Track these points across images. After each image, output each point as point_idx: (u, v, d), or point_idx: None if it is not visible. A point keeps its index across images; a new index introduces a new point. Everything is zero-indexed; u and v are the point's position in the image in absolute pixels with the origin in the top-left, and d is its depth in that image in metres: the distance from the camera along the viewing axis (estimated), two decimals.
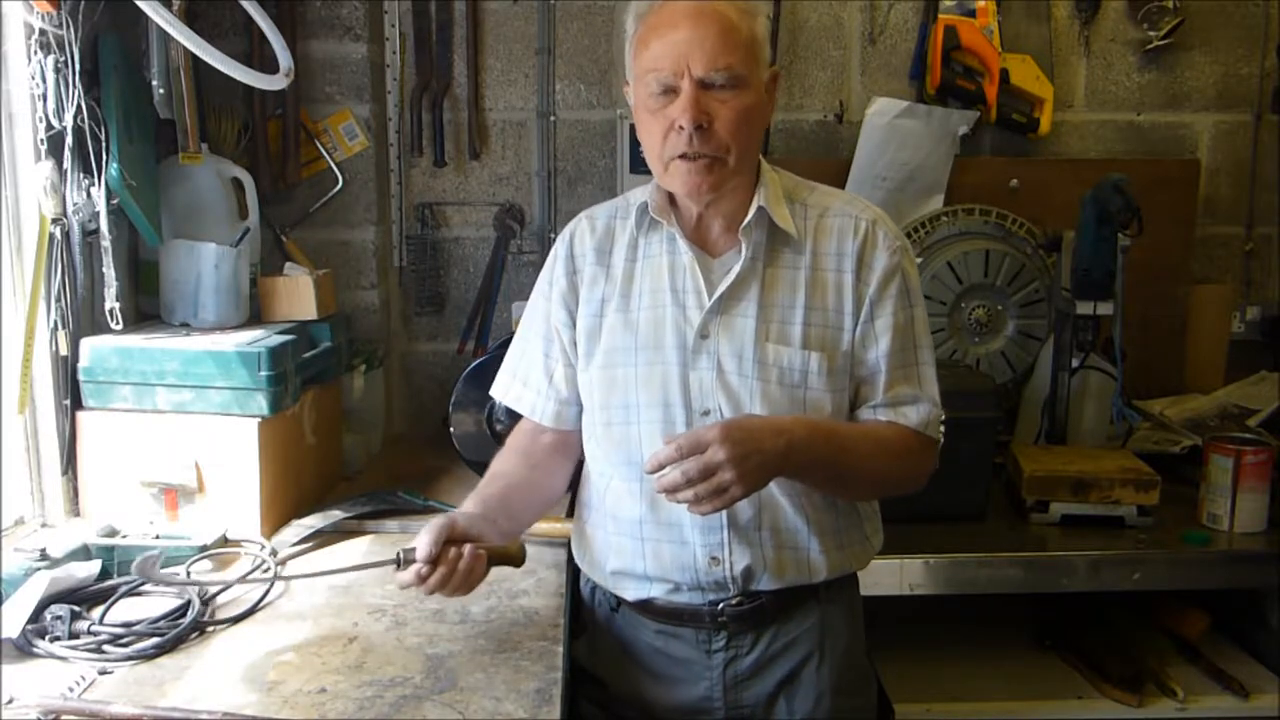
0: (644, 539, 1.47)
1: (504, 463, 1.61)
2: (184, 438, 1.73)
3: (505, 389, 1.62)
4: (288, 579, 1.60)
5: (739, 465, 1.27)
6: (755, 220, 1.45)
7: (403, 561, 1.33)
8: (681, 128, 1.37)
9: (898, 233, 1.51)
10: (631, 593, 1.52)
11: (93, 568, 1.52)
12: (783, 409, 1.42)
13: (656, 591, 1.50)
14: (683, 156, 1.40)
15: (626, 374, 1.47)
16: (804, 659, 1.51)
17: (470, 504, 1.50)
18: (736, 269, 1.45)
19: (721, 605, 1.48)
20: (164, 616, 1.42)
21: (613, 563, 1.52)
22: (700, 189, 1.42)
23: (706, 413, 1.44)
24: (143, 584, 1.52)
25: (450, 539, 1.36)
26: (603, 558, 1.54)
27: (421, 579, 1.33)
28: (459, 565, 1.34)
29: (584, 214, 1.62)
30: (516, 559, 1.49)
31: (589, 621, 1.60)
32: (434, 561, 1.33)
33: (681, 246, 1.48)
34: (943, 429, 1.51)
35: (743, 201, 1.46)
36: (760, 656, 1.50)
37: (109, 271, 1.78)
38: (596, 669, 1.57)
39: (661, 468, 1.28)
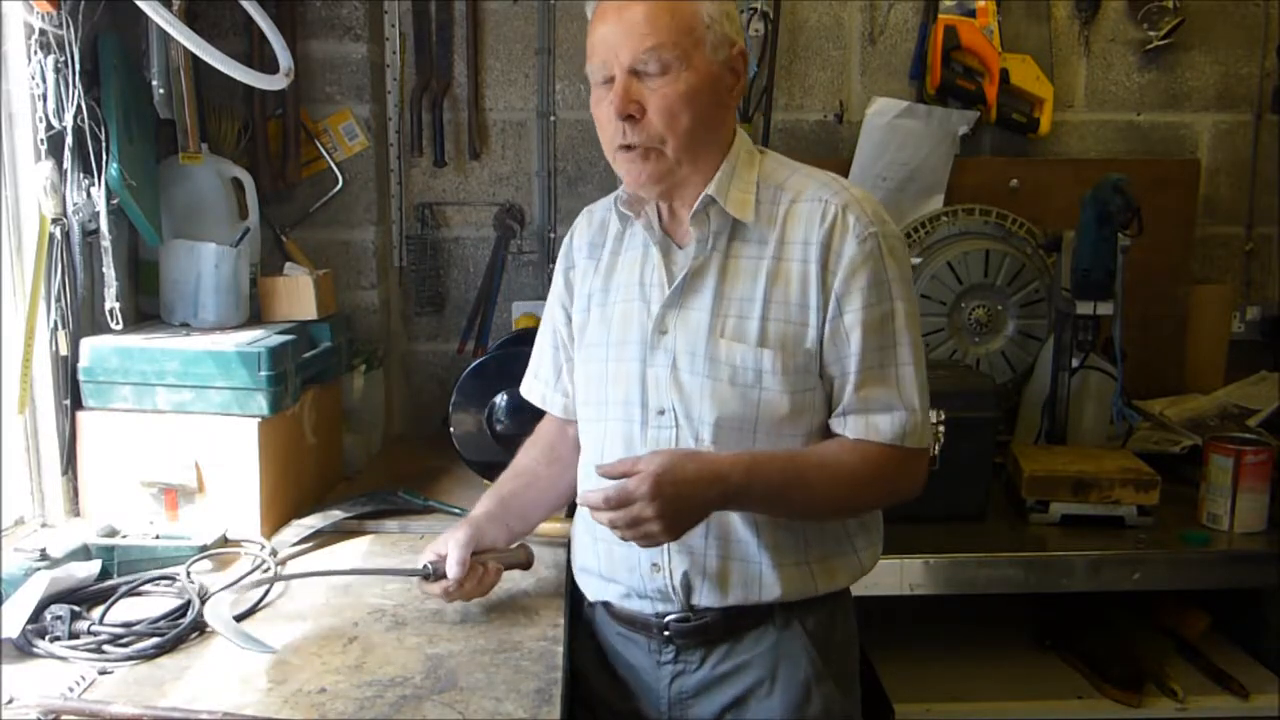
0: (598, 538, 1.47)
1: (527, 457, 1.65)
2: (184, 438, 1.73)
3: (524, 381, 1.68)
4: (324, 574, 1.59)
5: (665, 520, 1.26)
6: (708, 209, 1.39)
7: (431, 575, 1.44)
8: (614, 118, 1.34)
9: (877, 217, 1.38)
10: (592, 592, 1.54)
11: (93, 568, 1.52)
12: (733, 409, 1.36)
13: (611, 594, 1.50)
14: (622, 148, 1.36)
15: (600, 370, 1.47)
16: (754, 685, 1.44)
17: (487, 503, 1.58)
18: (690, 261, 1.40)
19: (667, 618, 1.44)
20: (164, 616, 1.42)
21: (578, 560, 1.55)
22: (640, 179, 1.38)
23: (661, 412, 1.40)
24: (142, 584, 1.52)
25: (473, 552, 1.46)
26: (575, 554, 1.57)
27: (448, 593, 1.45)
28: (486, 580, 1.46)
29: (587, 208, 1.63)
30: (525, 563, 1.58)
31: (577, 615, 1.61)
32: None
33: (650, 238, 1.45)
34: (941, 428, 1.48)
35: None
36: (707, 676, 1.45)
37: (109, 271, 1.78)
38: (581, 664, 1.58)
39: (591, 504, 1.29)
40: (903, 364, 1.38)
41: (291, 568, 1.68)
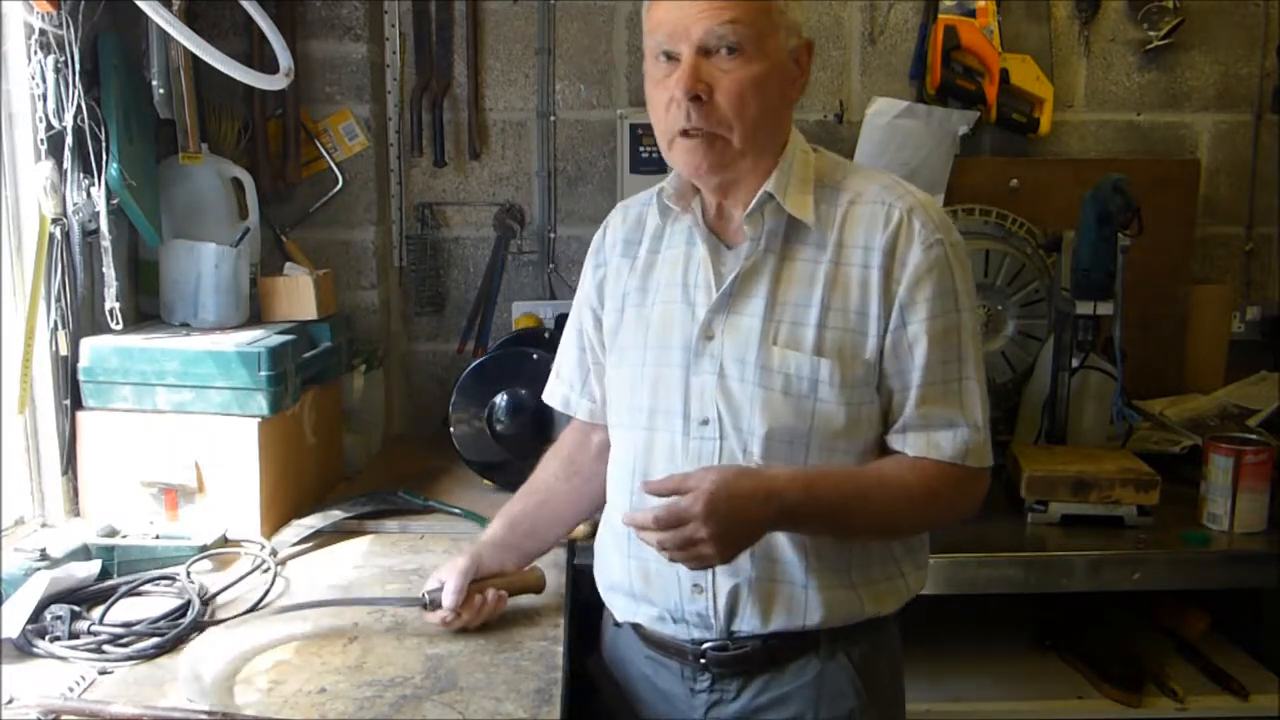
0: (631, 555, 1.39)
1: (544, 471, 1.58)
2: (184, 438, 1.73)
3: (548, 384, 1.61)
4: (325, 603, 1.51)
5: (719, 541, 1.18)
6: (764, 207, 1.31)
7: (429, 605, 1.42)
8: (680, 99, 1.25)
9: (942, 224, 1.31)
10: (621, 612, 1.46)
11: (93, 568, 1.52)
12: (786, 421, 1.29)
13: (643, 616, 1.41)
14: (683, 133, 1.28)
15: (634, 374, 1.39)
16: (794, 718, 1.36)
17: (496, 526, 1.54)
18: (742, 262, 1.32)
19: (703, 645, 1.36)
20: (164, 616, 1.42)
21: (607, 577, 1.47)
22: (700, 169, 1.29)
23: (705, 422, 1.32)
24: (142, 584, 1.52)
25: (474, 580, 1.43)
26: (602, 570, 1.49)
27: (445, 623, 1.41)
28: (483, 609, 1.42)
29: (621, 203, 1.53)
30: (535, 588, 1.53)
31: (601, 633, 1.56)
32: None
33: (698, 236, 1.36)
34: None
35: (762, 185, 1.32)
36: (745, 707, 1.37)
37: (109, 271, 1.78)
38: (599, 680, 1.53)
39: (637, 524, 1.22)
40: (967, 378, 1.31)
41: (291, 569, 1.68)
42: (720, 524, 1.18)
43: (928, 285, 1.28)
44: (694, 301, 1.36)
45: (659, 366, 1.37)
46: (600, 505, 1.57)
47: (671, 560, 1.23)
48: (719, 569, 1.31)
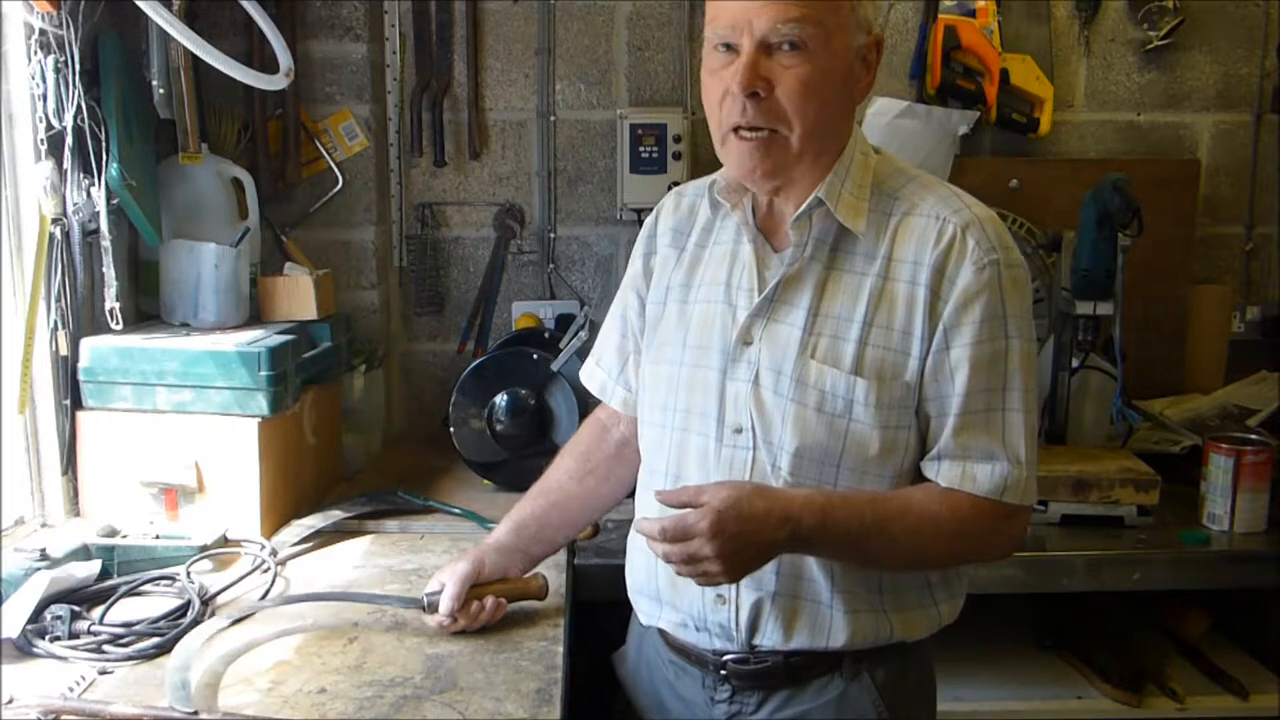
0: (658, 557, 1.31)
1: (557, 471, 1.55)
2: (184, 438, 1.73)
3: (585, 367, 1.57)
4: (311, 627, 1.53)
5: (726, 560, 1.15)
6: (813, 212, 1.26)
7: (427, 607, 1.42)
8: (736, 94, 1.20)
9: (1001, 242, 1.24)
10: (645, 615, 1.43)
11: (93, 568, 1.52)
12: (816, 439, 1.23)
13: (666, 622, 1.38)
14: (737, 130, 1.22)
15: (670, 372, 1.35)
16: None
17: (503, 530, 1.52)
18: (786, 268, 1.27)
19: (724, 657, 1.33)
20: (164, 616, 1.42)
21: (634, 578, 1.44)
22: (756, 171, 1.24)
23: (739, 430, 1.27)
24: (142, 584, 1.53)
25: (474, 584, 1.42)
26: (630, 571, 1.46)
27: (443, 627, 1.41)
28: (481, 616, 1.41)
29: (677, 189, 1.47)
30: (537, 595, 1.52)
31: (630, 633, 1.53)
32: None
33: (744, 235, 1.31)
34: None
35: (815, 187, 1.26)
36: None
37: (109, 271, 1.78)
38: (626, 682, 1.51)
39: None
40: (1011, 410, 1.24)
41: (291, 569, 1.68)
42: (727, 544, 1.15)
43: (976, 308, 1.22)
44: (735, 303, 1.31)
45: (696, 367, 1.32)
46: (613, 506, 1.56)
47: (678, 574, 1.21)
48: (743, 582, 1.27)
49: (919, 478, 1.28)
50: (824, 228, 1.27)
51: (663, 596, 1.37)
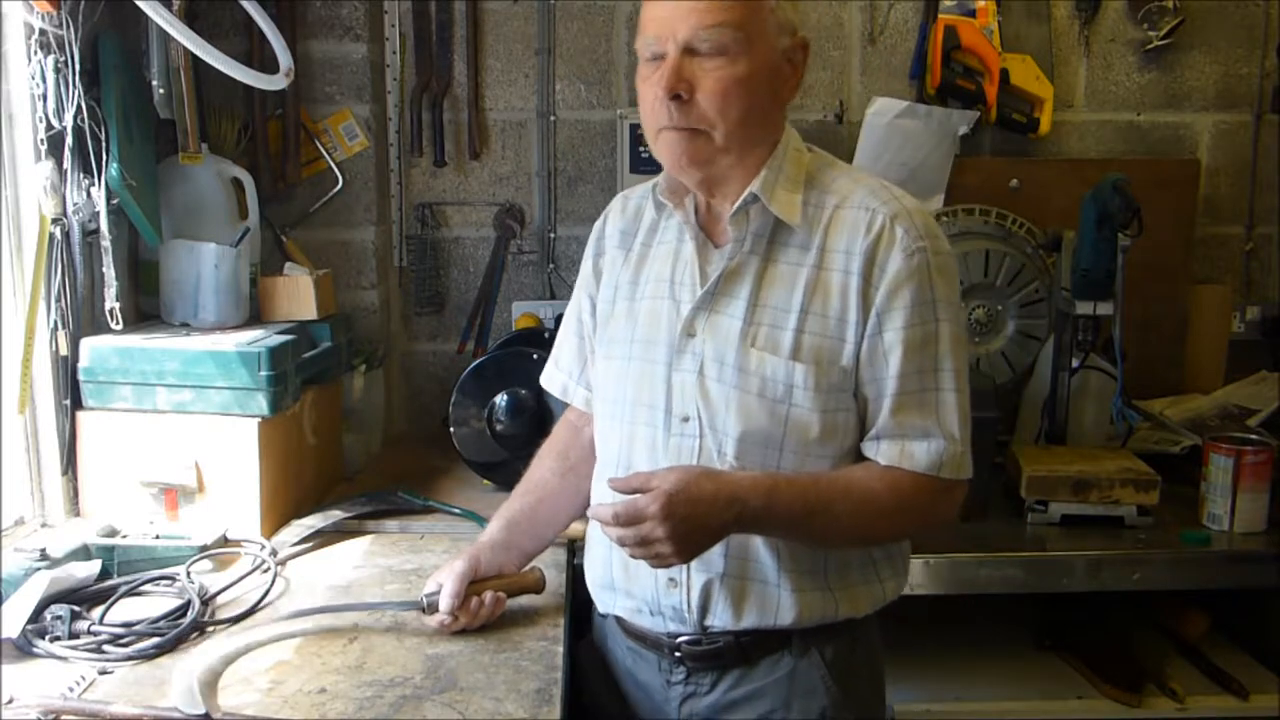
0: (612, 547, 1.38)
1: (539, 469, 1.59)
2: (184, 438, 1.73)
3: (545, 371, 1.62)
4: (311, 629, 1.51)
5: (677, 541, 1.20)
6: (749, 207, 1.32)
7: (426, 608, 1.42)
8: (660, 97, 1.27)
9: (927, 231, 1.31)
10: (603, 604, 1.49)
11: (93, 568, 1.52)
12: (759, 424, 1.29)
13: (622, 608, 1.44)
14: (666, 128, 1.29)
15: (620, 367, 1.41)
16: (767, 714, 1.37)
17: (494, 528, 1.54)
18: (726, 262, 1.33)
19: (678, 639, 1.38)
20: (164, 616, 1.42)
21: (592, 570, 1.50)
22: (680, 161, 1.30)
23: (686, 419, 1.34)
24: (142, 584, 1.53)
25: (472, 581, 1.43)
26: (588, 563, 1.52)
27: (444, 626, 1.42)
28: (480, 612, 1.42)
29: (622, 193, 1.55)
30: (535, 589, 1.53)
31: (584, 624, 1.58)
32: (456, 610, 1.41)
33: (686, 233, 1.38)
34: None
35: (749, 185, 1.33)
36: (719, 700, 1.39)
37: (109, 271, 1.78)
38: (590, 672, 1.54)
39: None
40: (944, 389, 1.30)
41: (291, 569, 1.68)
42: (678, 525, 1.19)
43: (906, 293, 1.28)
44: (679, 298, 1.37)
45: (644, 361, 1.38)
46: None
47: (632, 556, 1.25)
48: (693, 565, 1.32)
49: (860, 458, 1.34)
50: (761, 222, 1.33)
51: (617, 584, 1.43)
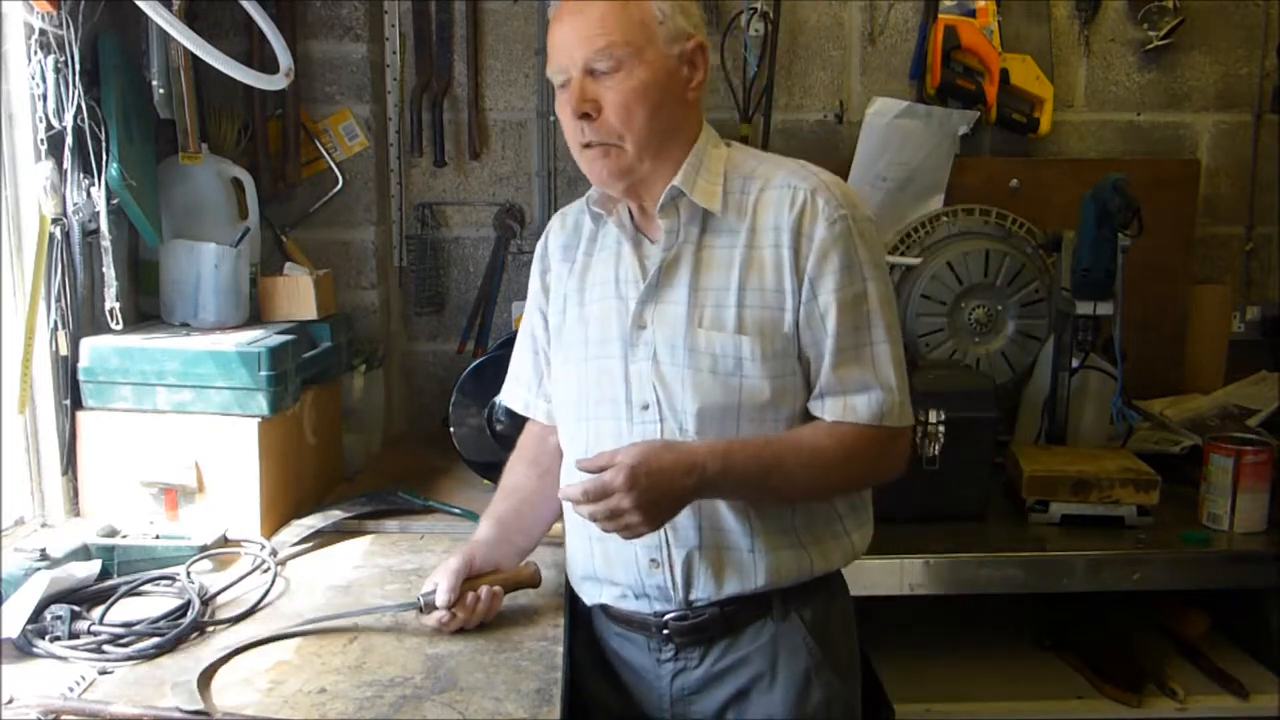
0: (592, 537, 1.47)
1: (514, 474, 1.63)
2: (184, 438, 1.73)
3: (506, 387, 1.68)
4: (310, 629, 1.55)
5: (644, 510, 1.28)
6: (674, 201, 1.41)
7: (424, 607, 1.43)
8: (572, 118, 1.37)
9: (846, 199, 1.39)
10: (588, 596, 1.53)
11: (93, 568, 1.52)
12: (715, 398, 1.37)
13: (608, 597, 1.50)
14: (584, 146, 1.39)
15: (580, 370, 1.48)
16: (755, 678, 1.45)
17: (485, 527, 1.56)
18: (662, 254, 1.42)
19: (665, 617, 1.45)
20: (164, 616, 1.42)
21: (575, 564, 1.55)
22: (602, 176, 1.40)
23: (645, 406, 1.41)
24: (142, 584, 1.53)
25: (468, 578, 1.45)
26: (570, 558, 1.57)
27: (442, 624, 1.42)
28: (478, 608, 1.44)
29: (560, 210, 1.63)
30: (531, 582, 1.55)
31: (574, 617, 1.60)
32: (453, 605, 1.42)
33: (623, 235, 1.46)
34: (941, 430, 1.47)
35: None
36: (708, 671, 1.46)
37: (109, 271, 1.78)
38: (582, 665, 1.57)
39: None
40: (878, 343, 1.39)
41: (291, 569, 1.68)
42: (643, 495, 1.27)
43: (834, 258, 1.36)
44: (625, 296, 1.45)
45: (600, 359, 1.45)
46: None
47: (604, 530, 1.32)
48: (671, 543, 1.41)
49: (809, 418, 1.41)
50: (689, 213, 1.42)
51: (600, 575, 1.49)
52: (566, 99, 1.37)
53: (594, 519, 1.30)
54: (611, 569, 1.47)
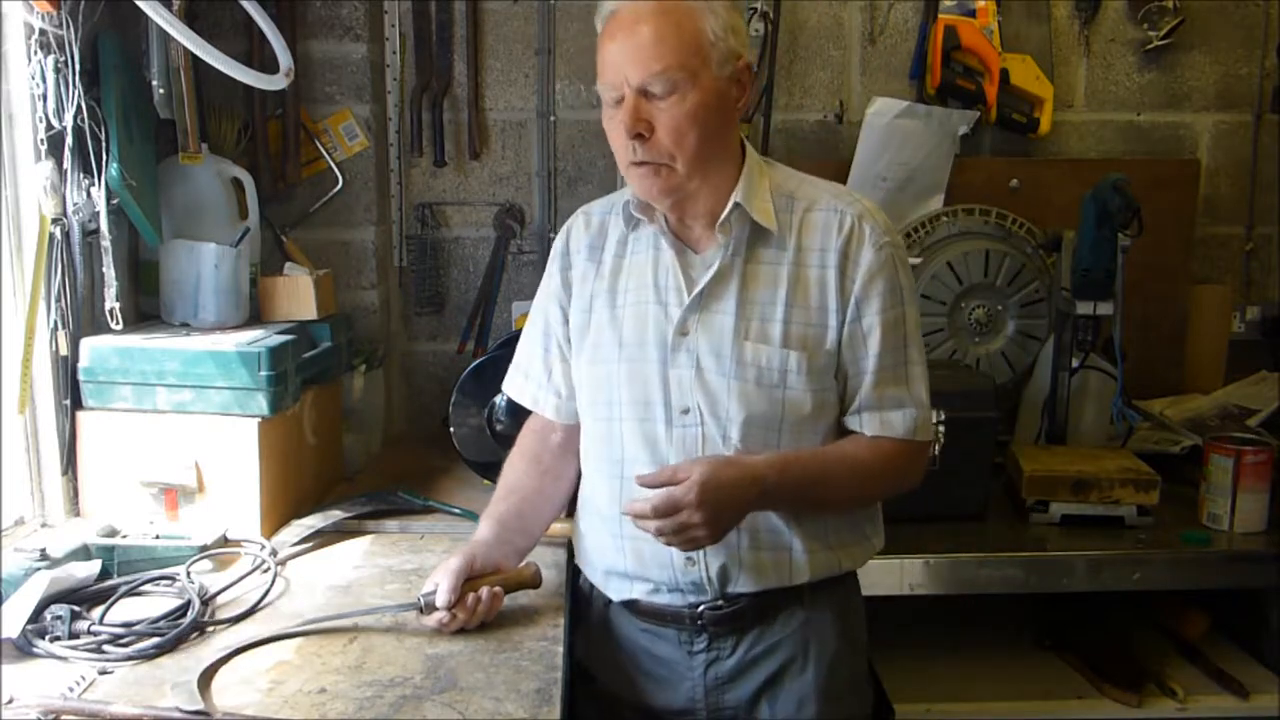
0: (623, 536, 1.48)
1: (514, 472, 1.63)
2: (184, 438, 1.73)
3: (510, 381, 1.68)
4: (310, 629, 1.56)
5: (711, 525, 1.33)
6: (733, 216, 1.44)
7: (424, 607, 1.43)
8: (624, 138, 1.39)
9: (888, 227, 1.48)
10: (616, 592, 1.55)
11: (93, 568, 1.52)
12: (760, 409, 1.42)
13: (638, 592, 1.52)
14: (635, 163, 1.41)
15: (610, 370, 1.49)
16: (787, 662, 1.50)
17: (485, 527, 1.57)
18: (715, 265, 1.44)
19: (701, 608, 1.48)
20: (164, 616, 1.42)
21: (600, 562, 1.56)
22: (652, 193, 1.43)
23: (686, 411, 1.44)
24: (142, 584, 1.53)
25: (468, 578, 1.45)
26: (593, 556, 1.58)
27: (443, 624, 1.43)
28: (478, 608, 1.44)
29: (582, 209, 1.63)
30: (532, 583, 1.55)
31: (585, 617, 1.61)
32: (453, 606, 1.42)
33: (664, 243, 1.48)
34: (941, 429, 1.52)
35: (722, 197, 1.44)
36: (741, 659, 1.50)
37: (109, 271, 1.78)
38: (590, 664, 1.58)
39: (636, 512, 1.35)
40: (913, 363, 1.46)
41: (291, 569, 1.68)
42: (711, 510, 1.32)
43: (879, 282, 1.43)
44: (666, 302, 1.47)
45: (634, 362, 1.48)
46: (568, 501, 1.64)
47: (667, 544, 1.36)
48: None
49: (842, 431, 1.49)
50: (741, 228, 1.45)
51: (630, 572, 1.51)
52: (618, 116, 1.39)
53: (659, 533, 1.33)
54: (645, 567, 1.49)
